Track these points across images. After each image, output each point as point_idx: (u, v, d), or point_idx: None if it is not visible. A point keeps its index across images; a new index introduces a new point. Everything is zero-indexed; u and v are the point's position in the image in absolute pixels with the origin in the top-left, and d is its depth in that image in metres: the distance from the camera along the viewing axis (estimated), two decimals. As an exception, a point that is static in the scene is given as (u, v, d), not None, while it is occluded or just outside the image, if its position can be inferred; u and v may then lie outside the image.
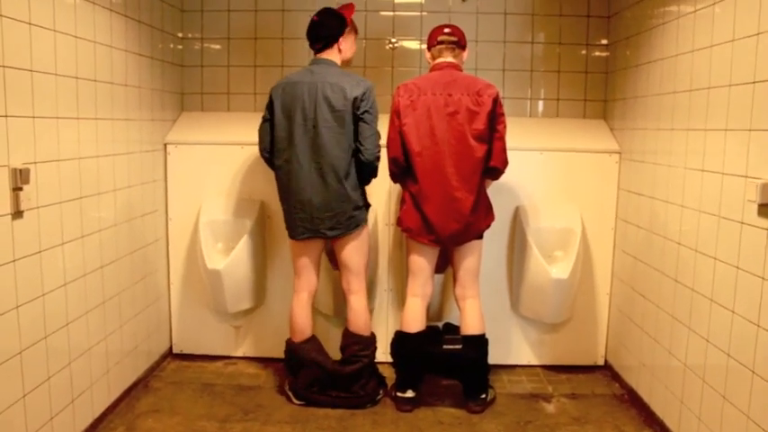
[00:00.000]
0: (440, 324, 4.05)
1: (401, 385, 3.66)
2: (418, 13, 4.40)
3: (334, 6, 3.68)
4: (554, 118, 4.47)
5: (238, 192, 4.21)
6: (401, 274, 4.16)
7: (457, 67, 3.55)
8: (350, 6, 3.67)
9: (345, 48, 3.64)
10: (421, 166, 3.45)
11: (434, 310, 4.09)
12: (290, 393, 3.73)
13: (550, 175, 4.15)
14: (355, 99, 3.43)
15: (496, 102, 3.44)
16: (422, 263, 3.62)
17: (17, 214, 2.57)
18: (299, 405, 3.67)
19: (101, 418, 3.35)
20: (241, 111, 4.49)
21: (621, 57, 4.14)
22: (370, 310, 4.08)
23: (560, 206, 4.13)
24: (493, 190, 3.73)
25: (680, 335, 3.19)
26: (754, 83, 2.57)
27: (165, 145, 4.17)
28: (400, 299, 4.18)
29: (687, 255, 3.13)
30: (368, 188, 3.67)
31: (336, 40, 3.59)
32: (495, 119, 3.45)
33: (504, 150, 3.49)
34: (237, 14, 4.44)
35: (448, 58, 3.55)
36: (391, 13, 4.43)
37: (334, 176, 3.45)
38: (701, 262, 3.00)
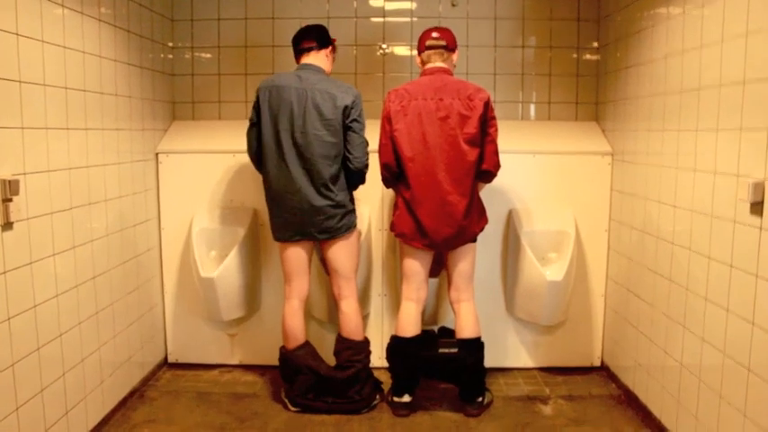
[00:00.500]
0: (435, 328, 4.05)
1: (397, 390, 3.65)
2: (408, 19, 4.41)
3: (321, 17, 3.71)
4: (546, 121, 4.48)
5: (231, 200, 4.20)
6: (395, 280, 4.16)
7: (447, 72, 3.55)
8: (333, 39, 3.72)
9: (330, 60, 3.68)
10: (413, 172, 3.45)
11: (429, 315, 4.09)
12: (286, 401, 3.71)
13: (543, 177, 4.15)
14: (345, 107, 3.44)
15: (488, 106, 3.44)
16: (416, 267, 3.62)
17: (7, 225, 2.55)
18: (296, 412, 3.65)
19: (96, 429, 3.33)
20: (232, 119, 4.49)
21: (612, 59, 4.15)
22: (365, 316, 4.07)
23: (554, 208, 4.13)
24: (486, 193, 3.73)
25: (675, 334, 3.19)
26: (743, 82, 2.58)
27: (157, 154, 4.16)
28: (395, 304, 4.17)
29: (681, 254, 3.14)
30: (361, 194, 3.67)
31: (328, 45, 3.63)
32: (487, 123, 3.45)
33: (496, 154, 3.49)
34: (227, 23, 4.44)
35: (437, 62, 3.55)
36: (382, 20, 4.44)
37: (322, 183, 3.45)
38: (694, 261, 3.00)
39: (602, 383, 4.07)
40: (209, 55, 4.48)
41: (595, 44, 4.41)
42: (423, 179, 3.44)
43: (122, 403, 3.67)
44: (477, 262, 3.73)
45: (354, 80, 4.41)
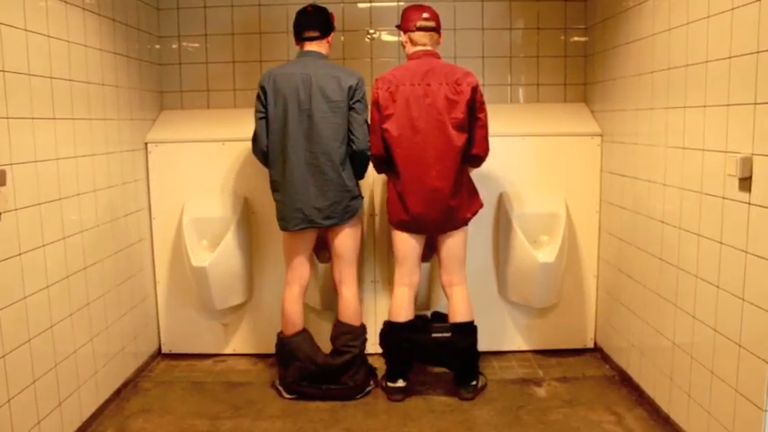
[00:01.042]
0: (428, 313, 4.05)
1: (391, 375, 3.66)
2: (395, 4, 4.39)
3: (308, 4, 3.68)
4: (535, 103, 4.47)
5: (221, 188, 4.18)
6: (387, 265, 4.16)
7: (435, 55, 3.54)
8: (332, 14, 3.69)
9: (329, 45, 3.67)
10: (401, 157, 3.45)
11: (422, 299, 4.09)
12: (280, 388, 3.71)
13: (533, 160, 4.15)
14: (350, 88, 3.46)
15: (476, 90, 3.43)
16: (407, 252, 3.62)
17: (-5, 216, 2.54)
18: (290, 399, 3.66)
19: (90, 420, 3.33)
20: (221, 107, 4.47)
21: (599, 39, 4.14)
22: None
23: (544, 191, 4.13)
24: (476, 177, 3.72)
25: (667, 313, 3.20)
26: (729, 58, 2.58)
27: (146, 144, 4.14)
28: (387, 290, 4.17)
29: (671, 233, 3.14)
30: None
31: (329, 33, 3.63)
32: (476, 107, 3.44)
33: (486, 138, 3.49)
34: (214, 11, 4.41)
35: (426, 45, 3.54)
36: (368, 5, 4.41)
37: (331, 166, 3.46)
38: (684, 239, 3.01)
39: (596, 365, 4.09)
40: (196, 44, 4.45)
41: (582, 25, 4.40)
42: (411, 165, 3.44)
43: (116, 394, 3.66)
44: (469, 246, 3.73)
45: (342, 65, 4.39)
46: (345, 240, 3.64)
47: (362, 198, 3.67)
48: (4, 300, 2.61)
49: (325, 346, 3.74)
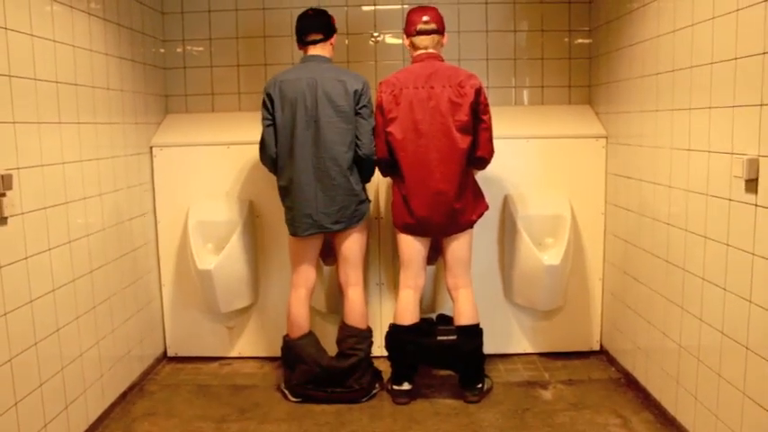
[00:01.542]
0: (433, 315, 4.04)
1: (397, 378, 3.65)
2: (399, 7, 4.38)
3: (313, 6, 3.68)
4: (539, 105, 4.47)
5: (226, 192, 4.18)
6: (392, 268, 4.15)
7: (438, 58, 3.53)
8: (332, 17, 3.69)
9: (333, 47, 3.67)
10: (406, 161, 3.45)
11: (427, 302, 4.08)
12: (285, 391, 3.71)
13: (538, 162, 4.15)
14: (355, 92, 3.47)
15: (479, 92, 3.43)
16: (412, 255, 3.61)
17: (1, 220, 2.55)
18: (296, 402, 3.66)
19: (96, 423, 3.33)
20: (226, 111, 4.47)
21: (604, 41, 4.13)
22: (364, 304, 4.07)
23: (549, 193, 4.13)
24: (481, 179, 3.72)
25: (673, 316, 3.19)
26: (735, 59, 2.57)
27: (151, 148, 4.15)
28: (393, 292, 4.17)
29: (677, 235, 3.13)
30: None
31: (332, 35, 3.63)
32: (480, 109, 3.44)
33: (490, 140, 3.49)
34: (218, 15, 4.42)
35: (428, 48, 3.53)
36: (372, 8, 4.41)
37: (338, 171, 3.46)
38: (691, 241, 3.00)
39: (602, 367, 4.08)
40: (200, 48, 4.46)
41: (587, 27, 4.39)
42: (415, 168, 3.44)
43: (122, 397, 3.67)
44: (475, 248, 3.72)
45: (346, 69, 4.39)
46: (352, 244, 3.64)
47: (370, 202, 3.68)
48: (11, 303, 2.61)
49: (331, 348, 3.73)
